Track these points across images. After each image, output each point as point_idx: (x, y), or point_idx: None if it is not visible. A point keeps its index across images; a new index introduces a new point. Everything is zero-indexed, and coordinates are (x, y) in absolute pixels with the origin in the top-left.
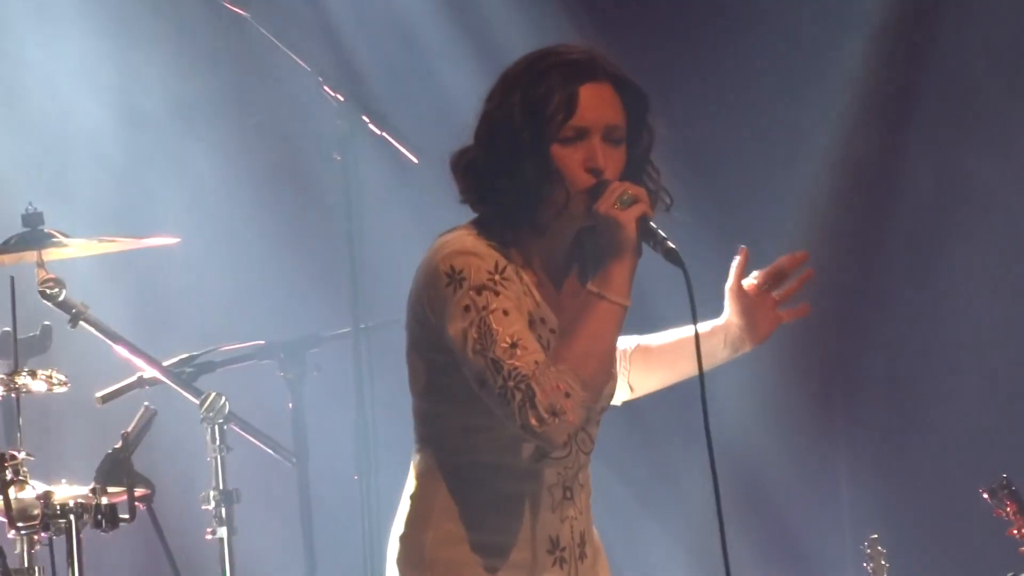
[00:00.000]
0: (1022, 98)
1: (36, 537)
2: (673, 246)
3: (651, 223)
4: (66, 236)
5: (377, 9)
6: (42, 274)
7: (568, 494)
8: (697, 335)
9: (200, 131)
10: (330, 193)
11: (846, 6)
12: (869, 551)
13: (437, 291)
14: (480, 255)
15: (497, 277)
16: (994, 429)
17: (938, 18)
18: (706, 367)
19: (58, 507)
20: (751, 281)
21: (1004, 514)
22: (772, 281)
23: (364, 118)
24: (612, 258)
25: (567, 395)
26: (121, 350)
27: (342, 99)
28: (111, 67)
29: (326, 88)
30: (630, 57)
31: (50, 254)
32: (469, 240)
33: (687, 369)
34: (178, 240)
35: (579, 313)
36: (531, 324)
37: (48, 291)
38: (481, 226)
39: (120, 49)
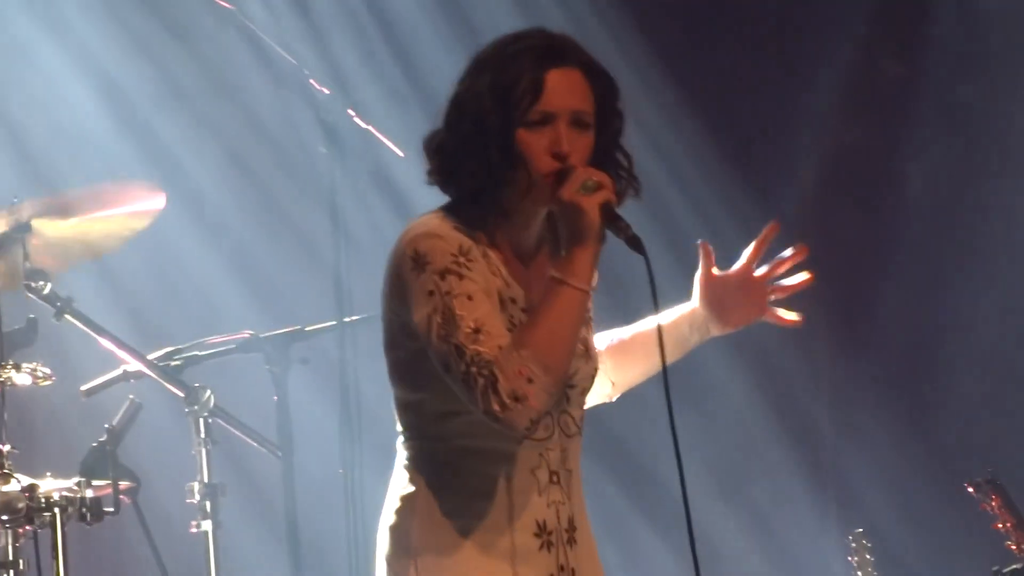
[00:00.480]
0: (1015, 89)
1: (21, 530)
2: (635, 233)
3: (614, 210)
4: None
5: (364, 2)
6: (28, 266)
7: (555, 478)
8: (660, 328)
9: (185, 124)
10: (316, 187)
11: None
12: (855, 544)
13: (402, 276)
14: (444, 237)
15: (461, 259)
16: (980, 424)
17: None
18: (679, 352)
19: (43, 500)
20: (741, 262)
21: (989, 508)
22: (771, 270)
23: (350, 111)
24: (574, 244)
25: (529, 380)
26: (106, 343)
27: (328, 92)
28: (95, 58)
29: (312, 81)
30: (623, 50)
31: (36, 242)
32: (434, 223)
33: (679, 354)
34: (162, 196)
35: (542, 299)
36: (502, 304)
37: (33, 284)
38: (449, 209)
39: (105, 40)
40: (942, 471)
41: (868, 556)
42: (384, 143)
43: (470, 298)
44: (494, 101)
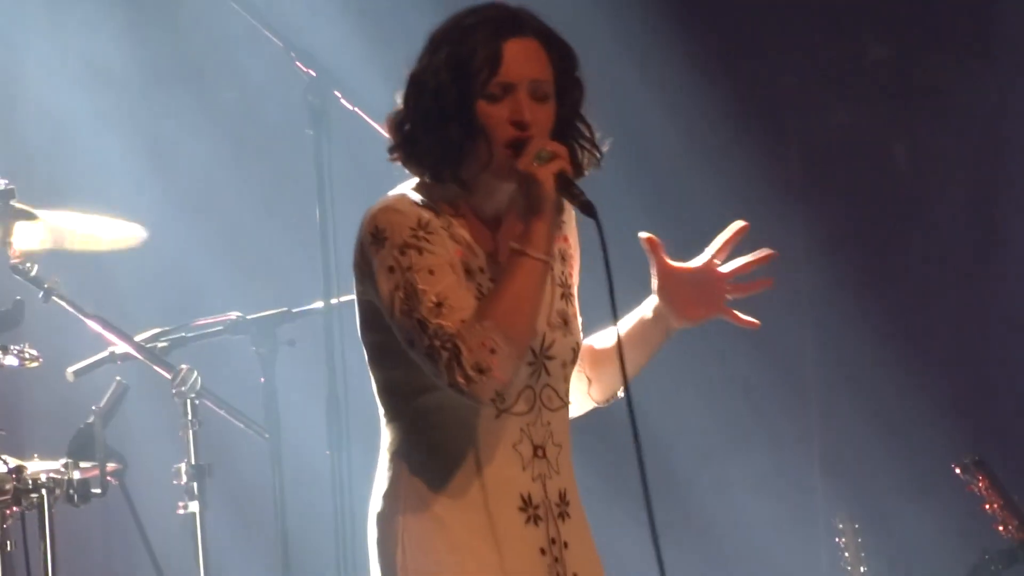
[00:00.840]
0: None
1: (8, 512)
2: (588, 199)
3: (568, 178)
4: (35, 216)
5: None
6: (13, 249)
7: (540, 452)
8: (611, 286)
9: (171, 106)
10: (302, 168)
11: None
12: (842, 526)
13: (364, 253)
14: (403, 212)
15: (420, 232)
16: (966, 406)
17: None
18: (647, 349)
19: (30, 482)
20: (704, 257)
21: (976, 490)
22: (736, 269)
23: (336, 93)
24: (532, 215)
25: (492, 352)
26: (93, 325)
27: (314, 74)
28: (78, 42)
29: (298, 63)
30: (607, 37)
31: (22, 229)
32: (395, 199)
33: (637, 357)
34: (145, 236)
35: (503, 271)
36: (468, 273)
37: (20, 266)
38: (417, 186)
39: (88, 22)
40: (928, 453)
41: (857, 539)
42: (371, 125)
43: (431, 272)
44: (452, 75)
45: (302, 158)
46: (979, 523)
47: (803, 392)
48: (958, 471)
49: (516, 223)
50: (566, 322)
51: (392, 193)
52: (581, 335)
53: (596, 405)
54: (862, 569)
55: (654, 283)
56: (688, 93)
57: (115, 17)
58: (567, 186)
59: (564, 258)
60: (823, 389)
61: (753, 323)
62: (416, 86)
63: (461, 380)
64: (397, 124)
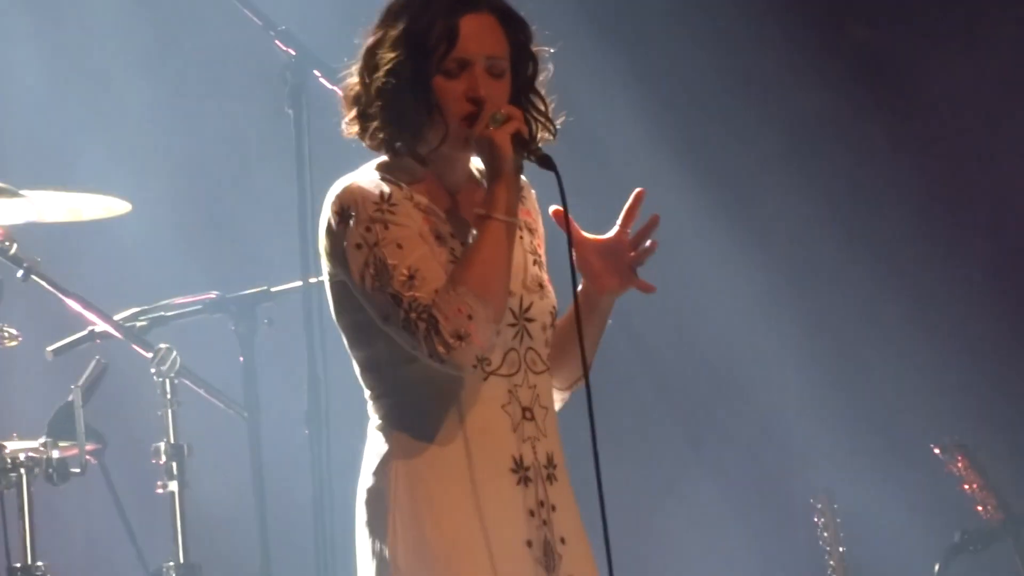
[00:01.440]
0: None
1: None
2: (546, 153)
3: (524, 137)
4: (16, 191)
5: None
6: None
7: (528, 414)
8: (571, 240)
9: (148, 85)
10: (281, 147)
11: None
12: (819, 506)
13: (331, 234)
14: (365, 188)
15: (384, 206)
16: (946, 385)
17: None
18: (590, 324)
19: (9, 461)
20: (614, 228)
21: (955, 470)
22: (636, 238)
23: (315, 72)
24: (493, 178)
25: (469, 317)
26: (73, 304)
27: (293, 53)
28: (56, 20)
29: (277, 42)
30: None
31: (2, 207)
32: (355, 176)
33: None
34: (128, 208)
35: (473, 239)
36: (440, 239)
37: None
38: (380, 164)
39: (64, 3)
40: (907, 432)
41: (833, 518)
42: None
43: (399, 246)
44: (408, 50)
45: (281, 137)
46: (957, 503)
47: (782, 370)
48: (937, 452)
49: (476, 188)
50: (541, 286)
51: (349, 174)
52: (555, 298)
53: (562, 395)
54: (840, 549)
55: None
56: (666, 76)
57: None
58: (524, 144)
59: (530, 230)
60: (802, 367)
61: (649, 287)
62: (371, 60)
63: (441, 349)
64: (353, 98)
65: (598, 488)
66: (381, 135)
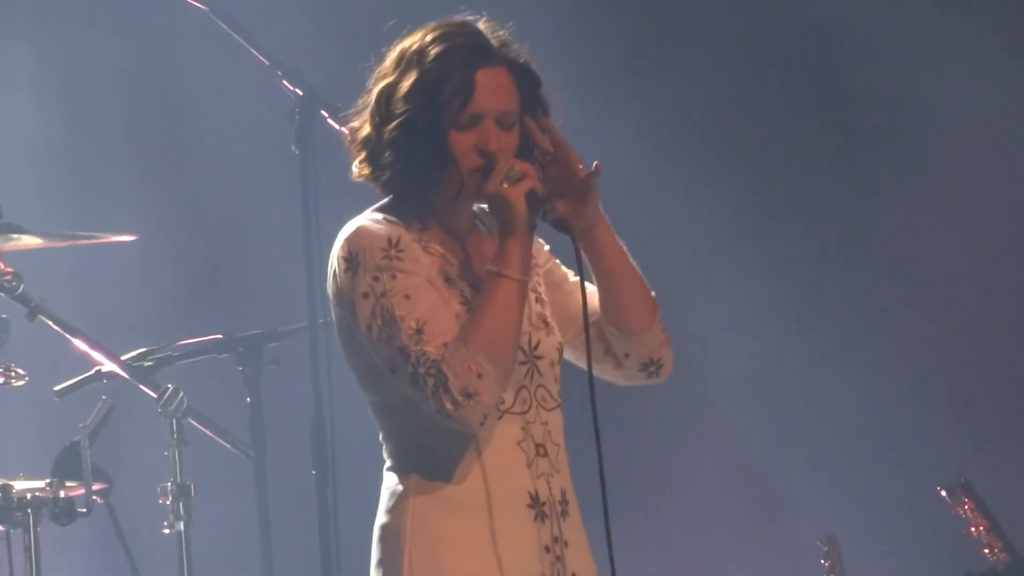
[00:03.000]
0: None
1: None
2: (562, 216)
3: (539, 196)
4: (23, 231)
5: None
6: (0, 267)
7: (542, 451)
8: (585, 302)
9: (155, 125)
10: (288, 188)
11: None
12: (826, 548)
13: (339, 280)
14: (373, 233)
15: (392, 252)
16: (953, 428)
17: None
18: (599, 269)
19: (15, 500)
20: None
21: (962, 512)
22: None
23: (322, 112)
24: (507, 235)
25: (479, 376)
26: (79, 343)
27: (300, 93)
28: (66, 63)
29: (285, 82)
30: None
31: (8, 247)
32: (364, 221)
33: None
34: (135, 238)
35: (482, 292)
36: (448, 281)
37: (6, 284)
38: (387, 205)
39: (73, 43)
40: (914, 475)
41: (839, 560)
42: None
43: (407, 296)
44: (423, 103)
45: (288, 177)
46: (964, 546)
47: (789, 410)
48: (944, 494)
49: (481, 233)
50: (546, 323)
51: (358, 217)
52: (560, 336)
53: (647, 338)
54: None
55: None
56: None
57: (99, 35)
58: (539, 204)
59: (533, 265)
60: (807, 409)
61: (593, 170)
62: (385, 108)
63: (449, 406)
64: (363, 141)
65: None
66: (392, 183)
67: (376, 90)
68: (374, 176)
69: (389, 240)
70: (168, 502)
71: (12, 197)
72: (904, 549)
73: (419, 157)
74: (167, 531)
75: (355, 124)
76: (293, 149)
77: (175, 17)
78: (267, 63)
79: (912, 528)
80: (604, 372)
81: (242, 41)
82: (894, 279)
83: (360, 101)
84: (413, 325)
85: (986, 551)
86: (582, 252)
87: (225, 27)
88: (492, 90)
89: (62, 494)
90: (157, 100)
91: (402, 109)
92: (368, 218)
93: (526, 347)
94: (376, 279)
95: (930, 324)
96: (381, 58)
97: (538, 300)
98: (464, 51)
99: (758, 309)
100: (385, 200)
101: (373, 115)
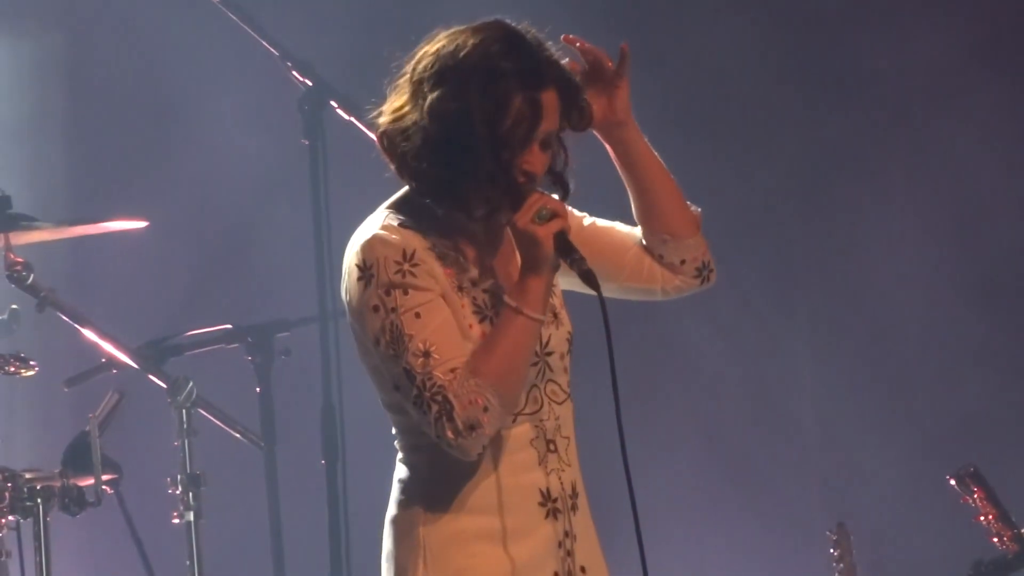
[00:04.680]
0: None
1: (3, 521)
2: (589, 268)
3: (568, 239)
4: (34, 219)
5: None
6: (10, 258)
7: (552, 447)
8: (612, 363)
9: (166, 115)
10: (298, 178)
11: None
12: (835, 537)
13: (351, 288)
14: (388, 243)
15: (407, 266)
16: (961, 417)
17: None
18: (631, 177)
19: (25, 490)
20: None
21: (971, 501)
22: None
23: (332, 103)
24: (529, 272)
25: (485, 409)
26: (89, 334)
27: (310, 84)
28: (73, 50)
29: (294, 73)
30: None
31: (18, 238)
32: (380, 225)
33: (638, 184)
34: (146, 224)
35: (496, 325)
36: (461, 290)
37: (16, 275)
38: (403, 204)
39: (80, 29)
40: (923, 464)
41: (849, 549)
42: (367, 135)
43: (418, 315)
44: (486, 123)
45: (299, 168)
46: (974, 534)
47: (799, 402)
48: (953, 483)
49: (494, 233)
50: (556, 315)
51: (374, 217)
52: (571, 323)
53: (686, 243)
54: None
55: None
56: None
57: (104, 26)
58: (567, 250)
59: None
60: (819, 399)
61: (623, 56)
62: (441, 121)
63: (451, 435)
64: (412, 151)
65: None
66: (434, 191)
67: (431, 103)
68: (414, 180)
69: (404, 253)
70: (178, 492)
71: (20, 187)
72: (913, 538)
73: (466, 171)
74: (177, 521)
75: (386, 122)
76: (303, 140)
77: (186, 5)
78: (276, 53)
79: (921, 517)
80: (656, 284)
81: (251, 32)
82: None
83: (392, 97)
84: (421, 347)
85: (995, 540)
86: (619, 164)
87: (234, 18)
88: (550, 115)
89: (72, 484)
90: (167, 89)
91: (457, 127)
92: (383, 224)
93: (538, 348)
94: (388, 293)
95: (943, 309)
96: (407, 50)
97: (553, 293)
98: (523, 75)
99: (762, 296)
100: (401, 195)
101: (429, 127)
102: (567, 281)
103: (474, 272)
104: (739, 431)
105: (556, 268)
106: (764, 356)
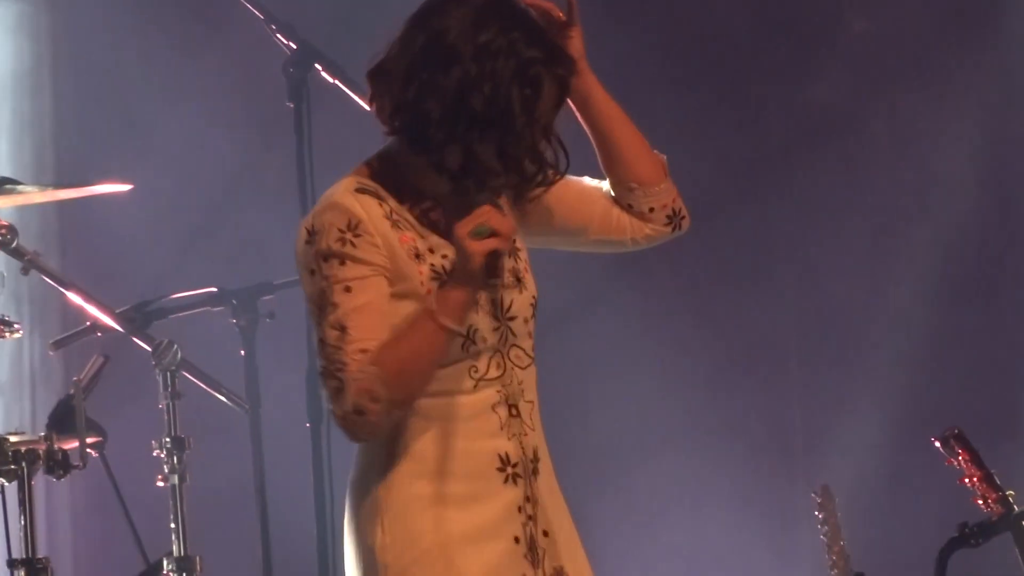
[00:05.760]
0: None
1: None
2: (497, 296)
3: (497, 265)
4: (18, 183)
5: None
6: None
7: (514, 411)
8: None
9: (151, 77)
10: (283, 141)
11: None
12: (820, 500)
13: (298, 247)
14: (338, 209)
15: (349, 235)
16: (945, 378)
17: None
18: (595, 125)
19: (10, 453)
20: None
21: (956, 463)
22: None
23: (317, 66)
24: (454, 281)
25: (373, 400)
26: (74, 297)
27: (295, 47)
28: (55, 8)
29: (279, 36)
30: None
31: (2, 201)
32: (341, 188)
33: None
34: (130, 187)
35: (412, 322)
36: (417, 256)
37: (0, 238)
38: (376, 163)
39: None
40: (907, 425)
41: (834, 512)
42: (352, 97)
43: (348, 289)
44: (525, 101)
45: (283, 131)
46: (958, 496)
47: (784, 364)
48: (938, 444)
49: (459, 200)
50: (519, 279)
51: (347, 178)
52: (535, 287)
53: (656, 191)
54: (841, 543)
55: None
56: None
57: None
58: (492, 272)
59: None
60: (803, 361)
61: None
62: (459, 93)
63: (338, 413)
64: (418, 115)
65: None
66: (437, 158)
67: (463, 73)
68: (414, 144)
69: (349, 223)
70: (162, 455)
71: (4, 150)
72: (898, 500)
73: (483, 143)
74: (161, 484)
75: (416, 91)
76: (287, 103)
77: None
78: (260, 16)
79: (906, 479)
80: (625, 235)
81: None
82: (892, 237)
83: (390, 57)
84: (341, 320)
85: (980, 502)
86: (580, 114)
87: None
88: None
89: (57, 447)
90: (152, 52)
91: (501, 104)
92: (344, 186)
93: (499, 312)
94: (325, 260)
95: (932, 276)
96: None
97: (512, 254)
98: (550, 57)
99: (758, 263)
100: (377, 154)
101: (455, 98)
102: (537, 240)
103: (434, 239)
104: (718, 396)
105: (484, 287)
106: (750, 317)
